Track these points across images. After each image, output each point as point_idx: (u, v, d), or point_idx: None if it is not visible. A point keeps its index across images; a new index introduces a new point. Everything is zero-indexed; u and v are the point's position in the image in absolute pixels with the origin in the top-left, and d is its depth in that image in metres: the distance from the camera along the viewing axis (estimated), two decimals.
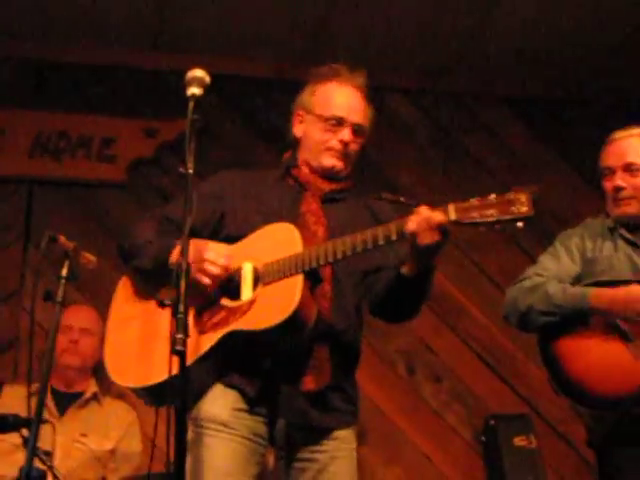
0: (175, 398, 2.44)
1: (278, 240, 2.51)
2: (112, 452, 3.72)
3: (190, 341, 2.38)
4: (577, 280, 3.11)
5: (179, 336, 2.05)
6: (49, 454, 2.78)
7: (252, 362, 2.45)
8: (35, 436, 2.26)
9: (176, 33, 4.89)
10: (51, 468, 2.78)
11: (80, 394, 3.89)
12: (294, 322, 2.35)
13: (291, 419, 2.51)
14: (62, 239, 2.46)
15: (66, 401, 3.78)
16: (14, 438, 3.48)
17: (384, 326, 4.86)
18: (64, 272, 2.40)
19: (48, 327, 2.70)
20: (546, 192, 5.37)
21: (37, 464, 2.65)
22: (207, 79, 2.36)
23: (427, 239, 2.32)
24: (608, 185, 3.15)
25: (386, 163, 5.25)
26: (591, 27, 5.04)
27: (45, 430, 2.80)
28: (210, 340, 2.47)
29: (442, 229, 2.32)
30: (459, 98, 5.54)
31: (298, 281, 2.38)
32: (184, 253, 2.14)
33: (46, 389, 2.30)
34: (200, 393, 2.58)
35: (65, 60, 4.97)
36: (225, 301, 2.51)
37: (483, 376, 5.04)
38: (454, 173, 5.40)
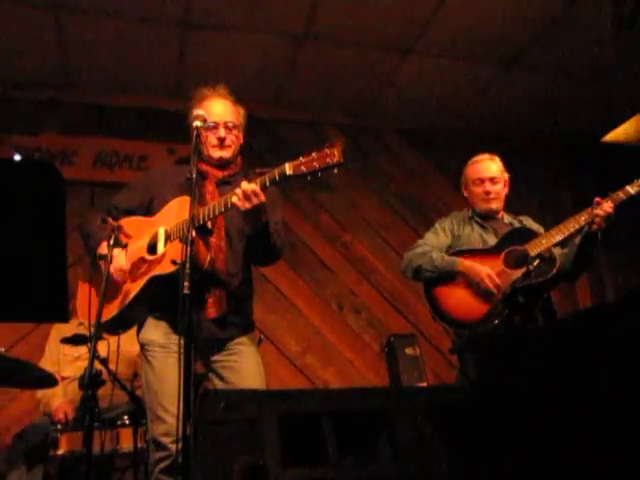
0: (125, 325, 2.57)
1: (180, 209, 2.36)
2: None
3: (126, 287, 2.43)
4: (449, 249, 3.22)
5: (186, 284, 1.94)
6: (105, 360, 2.75)
7: (172, 299, 2.11)
8: (94, 347, 2.24)
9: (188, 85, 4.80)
10: (106, 367, 2.75)
11: None
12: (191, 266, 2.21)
13: (202, 336, 2.38)
14: (110, 220, 2.43)
15: None
16: (76, 351, 3.48)
17: (322, 278, 4.97)
18: (111, 242, 2.38)
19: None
20: (428, 195, 5.45)
21: (96, 366, 2.66)
22: (206, 115, 2.37)
23: (245, 205, 2.21)
24: (479, 190, 3.25)
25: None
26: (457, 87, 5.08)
27: (101, 344, 2.77)
28: (139, 285, 2.38)
29: (254, 195, 2.20)
30: (374, 131, 5.48)
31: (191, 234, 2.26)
32: (190, 227, 2.06)
33: (101, 318, 2.28)
34: (139, 326, 2.53)
35: (117, 104, 4.88)
36: (147, 256, 2.41)
37: (387, 310, 5.04)
38: (369, 180, 5.36)
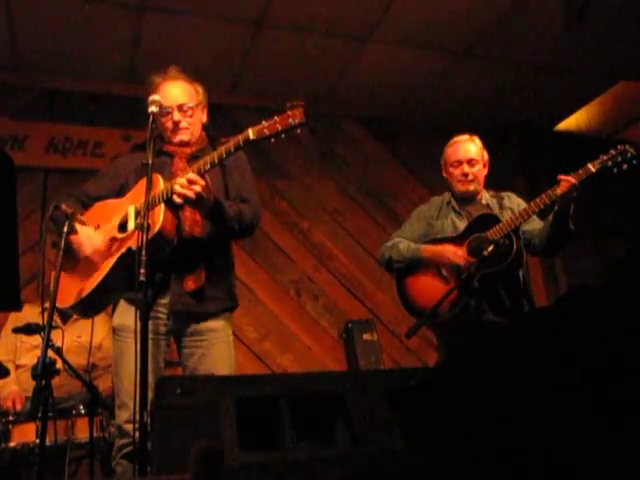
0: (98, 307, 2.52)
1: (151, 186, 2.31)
2: (99, 347, 3.63)
3: (100, 264, 2.41)
4: (424, 236, 3.20)
5: (142, 271, 1.98)
6: (59, 349, 2.70)
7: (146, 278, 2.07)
8: (48, 336, 2.19)
9: (144, 70, 4.70)
10: (61, 357, 2.71)
11: None
12: (160, 239, 2.25)
13: (178, 309, 2.41)
14: (63, 206, 2.37)
15: (66, 315, 3.58)
16: (35, 340, 3.42)
17: (281, 264, 4.98)
18: (65, 229, 2.32)
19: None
20: (385, 182, 5.50)
21: (49, 355, 2.61)
22: (162, 100, 2.35)
23: (186, 195, 2.24)
24: (458, 172, 3.18)
25: (280, 158, 5.19)
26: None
27: (55, 334, 2.72)
28: (111, 262, 2.36)
29: (192, 182, 2.23)
30: (332, 118, 5.50)
31: (160, 208, 2.28)
32: (146, 214, 2.11)
33: (54, 306, 2.22)
34: (113, 307, 2.52)
35: (70, 88, 4.78)
36: (118, 234, 2.40)
37: (345, 296, 5.08)
38: (328, 165, 5.40)
